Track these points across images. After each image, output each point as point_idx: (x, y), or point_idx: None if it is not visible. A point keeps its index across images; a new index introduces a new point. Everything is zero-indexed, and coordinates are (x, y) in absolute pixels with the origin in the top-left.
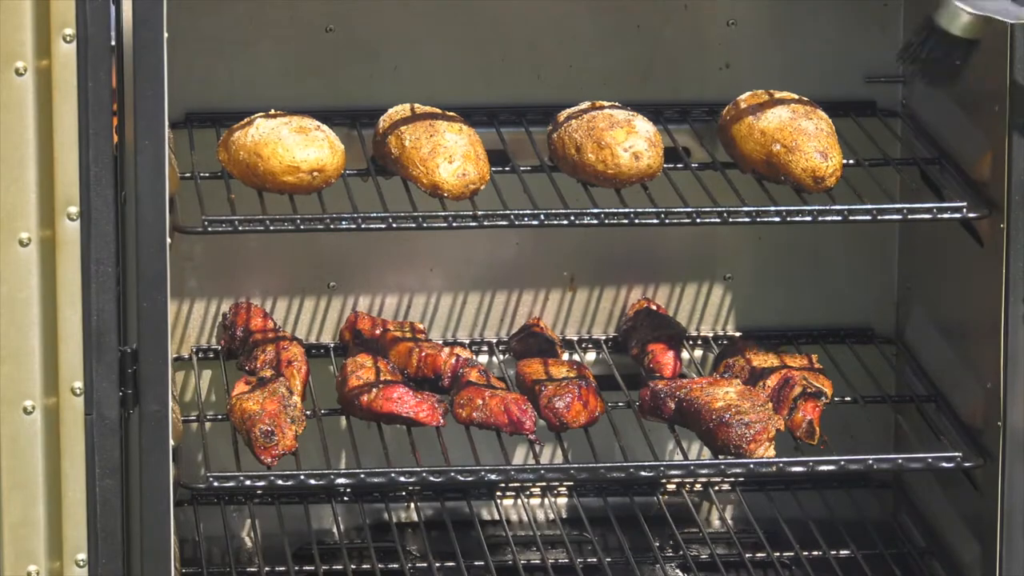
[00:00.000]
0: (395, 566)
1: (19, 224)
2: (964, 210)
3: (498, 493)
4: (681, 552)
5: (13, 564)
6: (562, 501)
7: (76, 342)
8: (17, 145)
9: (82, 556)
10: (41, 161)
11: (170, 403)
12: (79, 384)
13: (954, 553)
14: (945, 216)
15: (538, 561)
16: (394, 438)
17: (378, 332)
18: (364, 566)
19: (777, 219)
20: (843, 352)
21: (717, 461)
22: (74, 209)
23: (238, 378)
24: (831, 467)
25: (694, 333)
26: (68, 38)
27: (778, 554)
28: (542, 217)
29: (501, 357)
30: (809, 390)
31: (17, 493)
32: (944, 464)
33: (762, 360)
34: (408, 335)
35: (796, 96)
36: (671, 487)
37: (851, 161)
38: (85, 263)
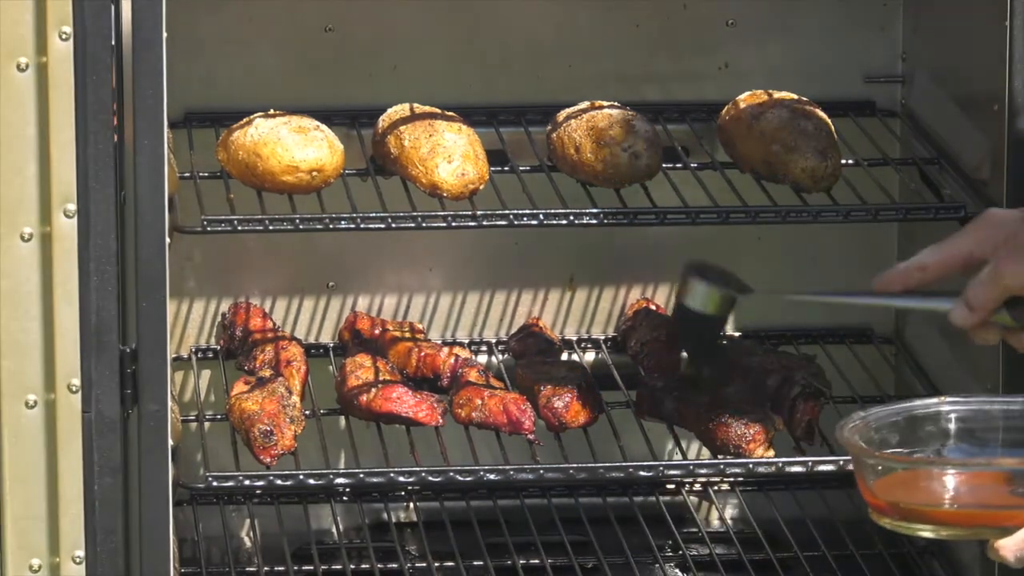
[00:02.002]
0: (394, 566)
1: (21, 218)
2: (963, 210)
3: (497, 493)
4: (680, 552)
5: (16, 557)
6: (561, 501)
7: (73, 339)
8: (19, 140)
9: (79, 553)
10: (41, 157)
11: (169, 403)
12: (76, 381)
13: (954, 553)
14: (944, 216)
15: (537, 561)
16: (393, 438)
17: (377, 332)
18: (363, 566)
19: (777, 219)
20: (843, 352)
21: (716, 461)
22: (71, 207)
23: (237, 378)
24: (831, 467)
25: None
26: (64, 36)
27: (778, 554)
28: (541, 217)
29: (500, 357)
30: (809, 390)
31: (20, 486)
32: None
33: (762, 360)
34: (407, 335)
35: (795, 96)
36: (670, 487)
37: (850, 161)
38: (83, 261)
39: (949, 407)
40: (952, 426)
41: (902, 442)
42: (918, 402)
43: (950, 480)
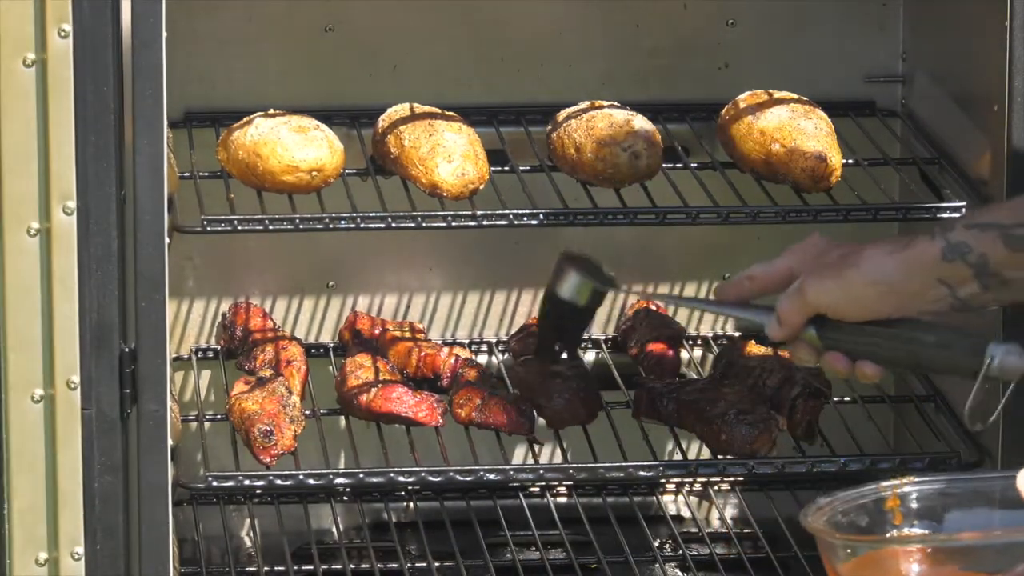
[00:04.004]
0: (394, 566)
1: (27, 214)
2: (963, 210)
3: (497, 492)
4: (680, 552)
5: (22, 551)
6: (561, 500)
7: (72, 336)
8: (25, 135)
9: (79, 549)
10: (42, 153)
11: (169, 403)
12: (75, 378)
13: None
14: (944, 216)
15: (537, 561)
16: (393, 438)
17: (377, 332)
18: (363, 566)
19: (777, 219)
20: None
21: (717, 461)
22: (71, 204)
23: (237, 378)
24: (831, 467)
25: (693, 333)
26: (63, 33)
27: (778, 554)
28: (541, 217)
29: (500, 357)
30: (809, 390)
31: (25, 480)
32: (944, 463)
33: (761, 360)
34: (407, 335)
35: (796, 96)
36: (670, 487)
37: (850, 161)
38: (82, 258)
39: (912, 487)
40: (915, 505)
41: (871, 524)
42: (884, 483)
43: (915, 558)
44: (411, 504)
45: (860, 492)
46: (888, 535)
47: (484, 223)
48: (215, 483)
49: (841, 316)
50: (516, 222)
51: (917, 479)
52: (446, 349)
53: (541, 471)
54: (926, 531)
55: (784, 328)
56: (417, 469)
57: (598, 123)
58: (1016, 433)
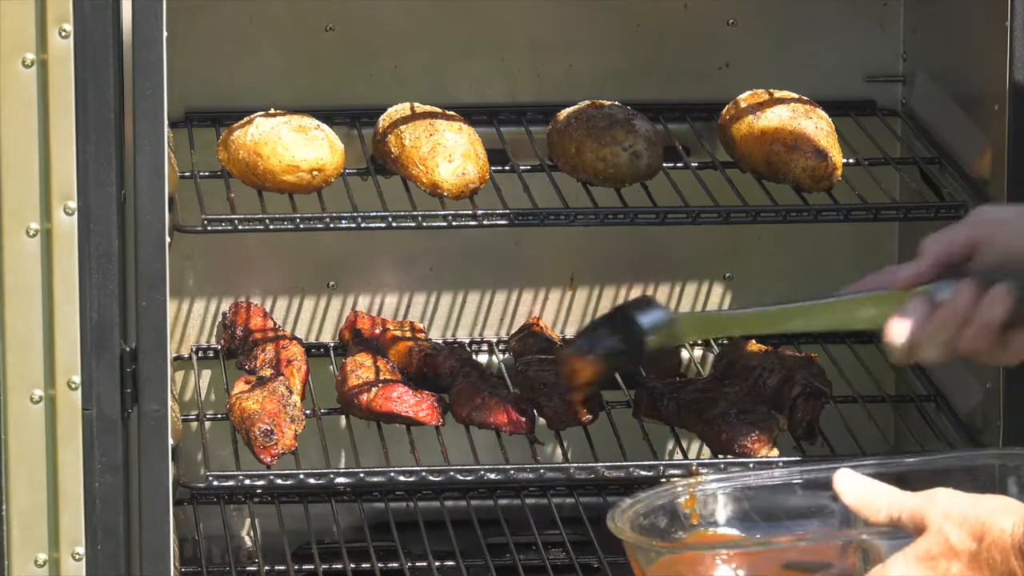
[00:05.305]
0: (395, 565)
1: (27, 214)
2: (964, 209)
3: (498, 492)
4: None
5: (21, 552)
6: (562, 500)
7: (73, 336)
8: (25, 136)
9: (79, 549)
10: (42, 153)
11: (169, 402)
12: (76, 378)
13: None
14: (945, 215)
15: (537, 561)
16: (393, 437)
17: (378, 331)
18: (364, 565)
19: (777, 218)
20: (843, 352)
21: (717, 461)
22: (72, 204)
23: (238, 377)
24: (832, 467)
25: None
26: (64, 33)
27: None
28: (541, 217)
29: (500, 357)
30: (809, 390)
31: (24, 481)
32: None
33: (762, 360)
34: (408, 334)
35: (796, 96)
36: None
37: (851, 160)
38: (83, 258)
39: (715, 484)
40: (711, 504)
41: (670, 524)
42: (680, 483)
43: (724, 560)
44: (411, 504)
45: (658, 492)
46: (688, 535)
47: (484, 223)
48: (215, 483)
49: None
50: (516, 222)
51: (713, 477)
52: (446, 348)
53: (541, 471)
54: (731, 531)
55: None
56: (417, 469)
57: (599, 123)
58: (1016, 433)
